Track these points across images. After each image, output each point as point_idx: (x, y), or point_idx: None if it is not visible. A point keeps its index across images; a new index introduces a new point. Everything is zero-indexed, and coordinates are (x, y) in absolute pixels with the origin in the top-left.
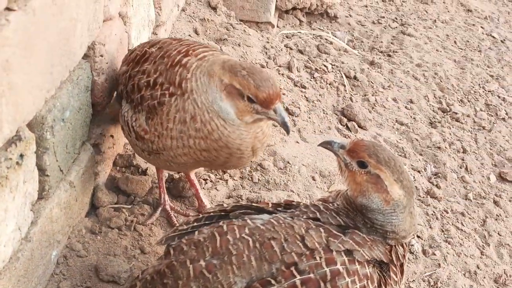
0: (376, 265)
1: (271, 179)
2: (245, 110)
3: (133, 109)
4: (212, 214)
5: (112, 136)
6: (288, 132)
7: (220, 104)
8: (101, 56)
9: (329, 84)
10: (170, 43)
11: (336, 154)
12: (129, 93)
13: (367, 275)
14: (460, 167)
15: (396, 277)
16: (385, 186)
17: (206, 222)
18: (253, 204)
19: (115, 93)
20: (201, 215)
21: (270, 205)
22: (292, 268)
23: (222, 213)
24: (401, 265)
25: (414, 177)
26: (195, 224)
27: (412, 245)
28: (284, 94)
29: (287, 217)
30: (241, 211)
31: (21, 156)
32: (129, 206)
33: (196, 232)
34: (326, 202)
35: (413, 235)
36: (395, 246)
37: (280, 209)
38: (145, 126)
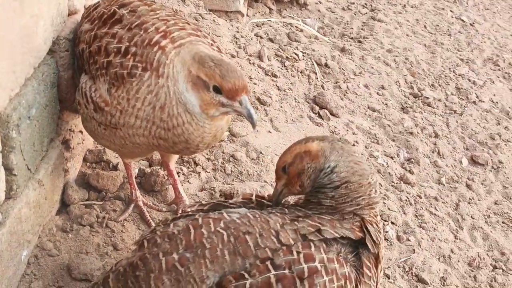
0: (352, 262)
1: (244, 170)
2: (210, 102)
3: (92, 79)
4: (190, 214)
5: (81, 131)
6: (254, 125)
7: (186, 95)
8: (67, 51)
9: (300, 72)
10: (147, 12)
11: (278, 192)
12: (93, 54)
13: (345, 275)
14: (433, 152)
15: (370, 272)
16: (309, 155)
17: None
18: (230, 202)
19: (75, 63)
20: (179, 215)
21: (254, 200)
22: (267, 262)
23: (200, 212)
24: (376, 258)
25: (387, 163)
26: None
27: (387, 232)
28: (255, 83)
29: (264, 211)
30: (219, 210)
31: None
32: (101, 203)
33: (171, 225)
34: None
35: (374, 213)
36: (366, 223)
37: (264, 201)
38: (106, 96)
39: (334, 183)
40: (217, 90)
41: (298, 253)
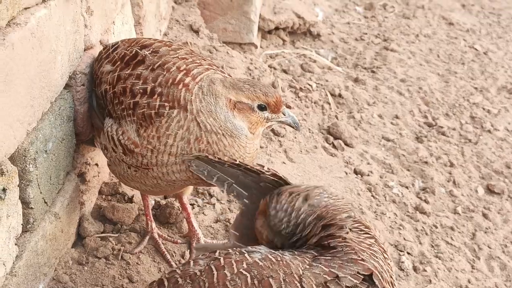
0: None
1: None
2: (258, 121)
3: (118, 122)
4: (248, 166)
5: (97, 164)
6: (299, 129)
7: (234, 122)
8: (83, 85)
9: (314, 102)
10: (168, 52)
11: (261, 232)
12: (117, 95)
13: None
14: (448, 181)
15: None
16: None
17: (239, 169)
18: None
19: (94, 103)
20: (238, 161)
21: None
22: None
23: (258, 172)
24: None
25: (402, 193)
26: (229, 163)
27: (403, 262)
28: None
29: (285, 253)
30: (275, 179)
31: (4, 190)
32: (116, 235)
33: (192, 263)
34: None
35: (352, 222)
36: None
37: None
38: (134, 138)
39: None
40: (262, 108)
41: None
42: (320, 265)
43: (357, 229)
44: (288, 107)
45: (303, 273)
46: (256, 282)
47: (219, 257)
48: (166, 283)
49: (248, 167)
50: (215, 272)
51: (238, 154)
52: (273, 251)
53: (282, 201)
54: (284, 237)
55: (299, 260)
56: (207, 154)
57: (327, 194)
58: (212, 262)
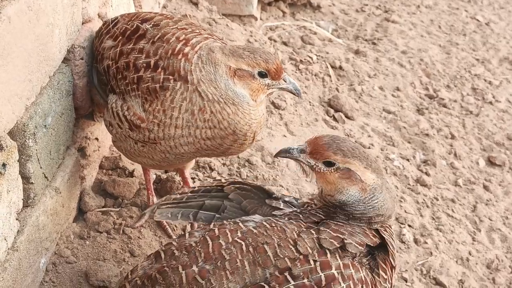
0: (366, 265)
1: (259, 174)
2: (259, 88)
3: (122, 98)
4: (208, 187)
5: (97, 139)
6: (300, 96)
7: (234, 89)
8: (82, 59)
9: (315, 75)
10: (167, 24)
11: (298, 161)
12: (120, 70)
13: (361, 279)
14: (449, 153)
15: (386, 274)
16: (358, 176)
17: (202, 194)
18: (249, 182)
19: (95, 80)
20: (197, 187)
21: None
22: (286, 273)
23: (219, 187)
24: (390, 261)
25: (403, 165)
26: (190, 195)
27: (404, 235)
28: None
29: (279, 219)
30: (237, 186)
31: (3, 165)
32: (117, 209)
33: (187, 235)
34: (311, 202)
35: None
36: (380, 232)
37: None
38: (140, 113)
39: (367, 213)
40: (262, 74)
41: (315, 261)
42: (327, 230)
43: None
44: None
45: (298, 236)
46: (251, 249)
47: (214, 228)
48: (163, 255)
49: (207, 187)
50: (210, 242)
51: (243, 121)
52: (268, 218)
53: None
54: None
55: (295, 224)
56: (167, 197)
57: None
58: (207, 233)
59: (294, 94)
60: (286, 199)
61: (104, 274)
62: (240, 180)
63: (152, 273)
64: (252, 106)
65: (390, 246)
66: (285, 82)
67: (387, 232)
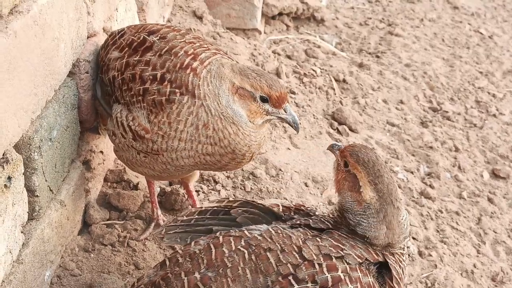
0: (374, 273)
1: (263, 187)
2: (257, 111)
3: (127, 108)
4: (216, 208)
5: (101, 152)
6: (298, 130)
7: (233, 107)
8: (87, 73)
9: (319, 88)
10: (174, 36)
11: (335, 154)
12: (126, 82)
13: (369, 284)
14: (453, 166)
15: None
16: (359, 186)
17: (210, 216)
18: (259, 203)
19: (99, 92)
20: (204, 207)
21: (281, 208)
22: (290, 277)
23: (227, 209)
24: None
25: (407, 178)
26: (198, 217)
27: (408, 247)
28: None
29: (287, 227)
30: (244, 209)
31: (9, 178)
32: (122, 222)
33: (193, 243)
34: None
35: (400, 247)
36: (385, 254)
37: (288, 213)
38: (145, 124)
39: (357, 228)
40: (264, 99)
41: (320, 265)
42: (329, 239)
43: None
44: (293, 92)
45: (303, 243)
46: (253, 257)
47: (219, 236)
48: (167, 262)
49: (215, 208)
50: (213, 250)
51: (243, 143)
52: (275, 225)
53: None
54: None
55: (302, 232)
56: (174, 219)
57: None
58: (211, 240)
59: (292, 127)
60: (294, 221)
61: (109, 286)
62: (248, 200)
63: (156, 279)
64: (252, 128)
65: (394, 271)
66: (285, 112)
67: (393, 257)
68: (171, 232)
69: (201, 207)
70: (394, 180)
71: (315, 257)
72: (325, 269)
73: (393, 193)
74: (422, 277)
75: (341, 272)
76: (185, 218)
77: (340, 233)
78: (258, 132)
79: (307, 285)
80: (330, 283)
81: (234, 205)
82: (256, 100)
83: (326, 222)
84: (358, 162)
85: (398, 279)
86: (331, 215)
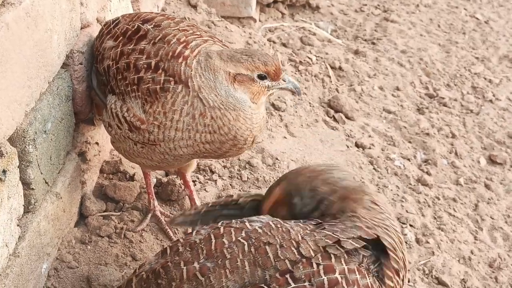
0: (374, 272)
1: (260, 176)
2: (259, 91)
3: (122, 99)
4: (223, 203)
5: (97, 143)
6: (300, 94)
7: (235, 95)
8: (81, 64)
9: (314, 76)
10: (168, 24)
11: None
12: (121, 71)
13: (367, 285)
14: (450, 152)
15: (392, 281)
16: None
17: (219, 208)
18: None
19: (94, 82)
20: (211, 203)
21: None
22: (287, 276)
23: (233, 202)
24: (397, 269)
25: (404, 165)
26: (207, 209)
27: (405, 234)
28: None
29: (287, 222)
30: (250, 199)
31: (4, 171)
32: (118, 213)
33: (194, 232)
34: None
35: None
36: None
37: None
38: (140, 115)
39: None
40: (262, 77)
41: (318, 265)
42: (323, 231)
43: (370, 207)
44: None
45: (301, 239)
46: (252, 249)
47: (220, 227)
48: (168, 251)
49: (222, 202)
50: (213, 240)
51: (244, 127)
52: (275, 219)
53: (305, 187)
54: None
55: (301, 227)
56: (184, 211)
57: (343, 174)
58: (212, 231)
59: (294, 93)
60: None
61: (106, 278)
62: (255, 193)
63: (156, 267)
64: (254, 109)
65: (389, 246)
66: (285, 81)
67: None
68: (180, 218)
69: (208, 203)
70: None
71: (313, 254)
72: (322, 271)
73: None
74: (420, 264)
75: (339, 274)
76: (192, 212)
77: (328, 222)
78: (258, 112)
79: (305, 284)
80: (326, 286)
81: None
82: (255, 81)
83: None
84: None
85: (396, 257)
86: None
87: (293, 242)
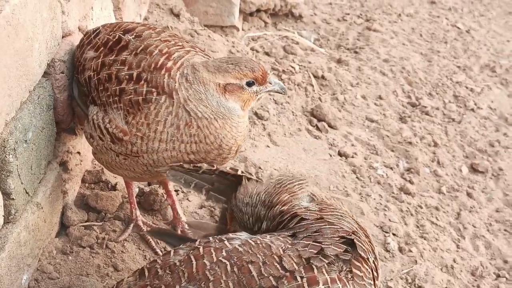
0: (346, 271)
1: None
2: (249, 97)
3: (103, 110)
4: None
5: (79, 152)
6: (286, 92)
7: (227, 105)
8: (62, 73)
9: (297, 85)
10: (150, 35)
11: None
12: (102, 82)
13: None
14: (432, 161)
15: (360, 271)
16: None
17: (218, 174)
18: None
19: (75, 91)
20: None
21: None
22: None
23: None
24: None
25: (386, 174)
26: (205, 170)
27: (388, 243)
28: None
29: (266, 236)
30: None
31: None
32: (100, 223)
33: (172, 253)
34: None
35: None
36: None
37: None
38: (122, 126)
39: None
40: (250, 84)
41: (302, 278)
42: (301, 241)
43: (314, 203)
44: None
45: (283, 253)
46: (235, 269)
47: (199, 247)
48: (146, 273)
49: (224, 171)
50: (194, 262)
51: (230, 135)
52: (254, 236)
53: (243, 199)
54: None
55: (281, 241)
56: (181, 163)
57: (277, 182)
58: (191, 251)
59: (281, 93)
60: None
61: None
62: (252, 176)
63: None
64: (241, 118)
65: (350, 230)
66: (271, 84)
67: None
68: (175, 171)
69: (211, 167)
70: None
71: (296, 267)
72: (305, 284)
73: None
74: (403, 273)
75: (322, 285)
76: (192, 167)
77: (300, 231)
78: (243, 121)
79: None
80: None
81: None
82: (244, 88)
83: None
84: None
85: (360, 244)
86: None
87: (275, 257)
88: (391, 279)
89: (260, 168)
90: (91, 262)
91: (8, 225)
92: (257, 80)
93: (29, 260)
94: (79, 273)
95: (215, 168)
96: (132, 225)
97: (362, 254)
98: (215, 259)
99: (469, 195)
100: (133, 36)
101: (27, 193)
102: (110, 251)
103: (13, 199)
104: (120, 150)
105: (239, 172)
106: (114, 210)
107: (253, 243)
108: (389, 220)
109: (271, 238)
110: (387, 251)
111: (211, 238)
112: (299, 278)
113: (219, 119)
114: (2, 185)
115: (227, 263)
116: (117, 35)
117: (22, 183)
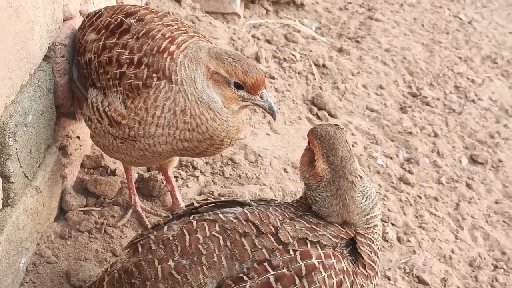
0: (348, 256)
1: (242, 173)
2: (232, 97)
3: (103, 93)
4: (181, 214)
5: (78, 137)
6: (274, 117)
7: (207, 92)
8: (63, 56)
9: (298, 73)
10: (152, 19)
11: None
12: (103, 65)
13: (343, 270)
14: (432, 152)
15: (366, 272)
16: (314, 160)
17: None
18: (222, 200)
19: (75, 74)
20: (171, 216)
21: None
22: (265, 264)
23: (192, 211)
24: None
25: (386, 163)
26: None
27: (387, 233)
28: None
29: (262, 208)
30: (209, 207)
31: None
32: (99, 208)
33: (165, 228)
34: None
35: (368, 227)
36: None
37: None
38: (121, 110)
39: (314, 205)
40: (238, 86)
41: (295, 251)
42: (303, 222)
43: None
44: (272, 77)
45: (280, 225)
46: (228, 243)
47: (192, 221)
48: (140, 248)
49: (179, 214)
50: (187, 236)
51: (221, 128)
52: (251, 208)
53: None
54: None
55: (279, 213)
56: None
57: None
58: (185, 226)
59: (269, 114)
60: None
61: (86, 274)
62: (212, 199)
63: (129, 266)
64: (228, 113)
65: (364, 255)
66: (261, 99)
67: (363, 239)
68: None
69: (168, 216)
70: (352, 155)
71: (291, 240)
72: (298, 257)
73: (347, 166)
74: (401, 262)
75: (315, 259)
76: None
77: (308, 219)
78: (235, 117)
79: (283, 270)
80: (304, 272)
81: (198, 206)
82: (230, 86)
83: (292, 208)
84: (315, 137)
85: (371, 262)
86: (295, 202)
87: (272, 227)
88: (389, 268)
89: (259, 155)
90: (90, 247)
91: (7, 209)
92: (245, 85)
93: (28, 244)
94: (77, 258)
95: (171, 217)
96: (131, 210)
97: (364, 257)
98: (208, 233)
99: (468, 186)
100: (135, 20)
101: (26, 176)
102: (108, 236)
103: (12, 182)
104: (117, 133)
105: (196, 204)
106: (113, 196)
107: (249, 213)
108: (388, 210)
109: (270, 209)
110: (386, 240)
111: (205, 213)
112: (292, 251)
113: (209, 110)
114: (1, 168)
115: (220, 237)
116: (119, 18)
117: (21, 166)
